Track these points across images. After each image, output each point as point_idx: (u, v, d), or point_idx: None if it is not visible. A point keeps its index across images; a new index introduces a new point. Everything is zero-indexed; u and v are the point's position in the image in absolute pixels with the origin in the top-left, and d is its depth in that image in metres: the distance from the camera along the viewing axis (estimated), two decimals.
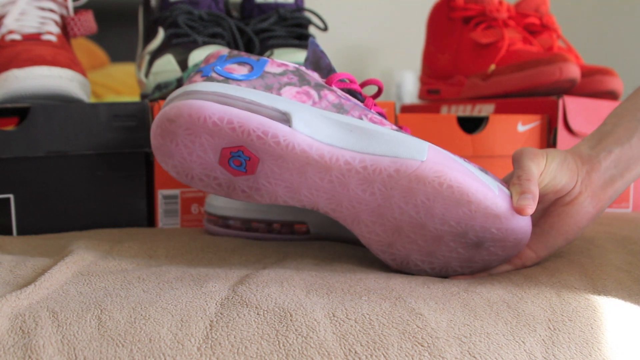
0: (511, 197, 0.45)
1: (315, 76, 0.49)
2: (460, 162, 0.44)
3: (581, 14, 1.69)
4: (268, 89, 0.45)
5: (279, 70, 0.47)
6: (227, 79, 0.45)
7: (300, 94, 0.46)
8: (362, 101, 0.50)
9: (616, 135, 0.50)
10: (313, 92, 0.46)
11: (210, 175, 0.47)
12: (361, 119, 0.46)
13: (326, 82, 0.49)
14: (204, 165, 0.46)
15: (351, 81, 0.50)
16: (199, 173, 0.47)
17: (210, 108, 0.43)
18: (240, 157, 0.44)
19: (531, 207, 0.44)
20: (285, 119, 0.44)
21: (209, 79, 0.46)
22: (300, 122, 0.43)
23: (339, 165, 0.43)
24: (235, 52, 0.49)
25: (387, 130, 0.45)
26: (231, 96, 0.44)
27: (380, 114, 0.50)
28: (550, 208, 0.50)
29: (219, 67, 0.46)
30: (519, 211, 0.44)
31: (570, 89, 0.87)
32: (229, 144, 0.44)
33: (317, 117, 0.44)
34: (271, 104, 0.44)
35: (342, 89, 0.50)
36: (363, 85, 0.52)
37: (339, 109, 0.46)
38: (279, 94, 0.45)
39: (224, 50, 0.50)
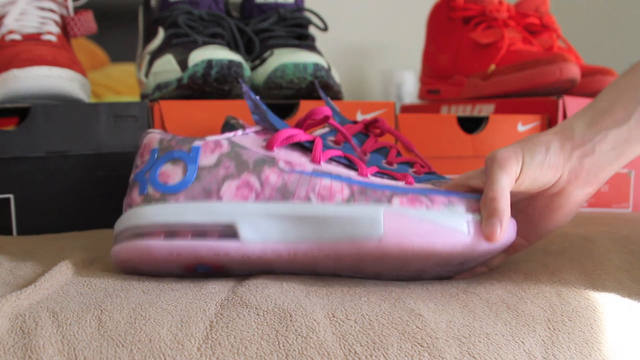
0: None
1: (251, 142, 0.45)
2: (421, 213, 0.42)
3: (581, 14, 1.69)
4: (207, 194, 0.44)
5: (213, 159, 0.45)
6: (164, 194, 0.44)
7: (241, 188, 0.44)
8: (310, 147, 0.46)
9: (614, 115, 0.47)
10: (254, 180, 0.44)
11: (185, 275, 0.47)
12: (309, 198, 0.43)
13: (267, 146, 0.45)
14: (175, 274, 0.46)
15: (294, 135, 0.46)
16: (175, 276, 0.47)
17: (156, 247, 0.43)
18: (205, 266, 0.45)
19: (498, 232, 0.42)
20: (231, 232, 0.43)
21: (146, 199, 0.45)
22: (248, 231, 0.43)
23: (300, 257, 0.43)
24: (166, 140, 0.46)
25: (338, 210, 0.42)
26: (174, 225, 0.43)
27: (333, 158, 0.46)
28: (537, 198, 0.48)
29: (153, 177, 0.45)
30: (487, 238, 0.42)
31: (570, 89, 0.87)
32: (189, 264, 0.44)
33: (262, 218, 0.43)
34: (214, 220, 0.43)
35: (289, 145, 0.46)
36: (310, 120, 0.47)
37: (284, 193, 0.44)
38: (220, 197, 0.44)
39: (155, 138, 0.47)
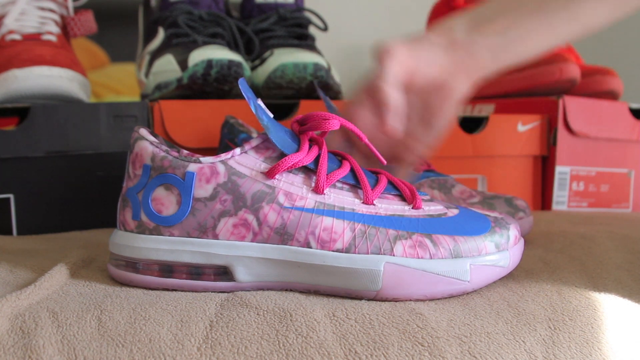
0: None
1: (251, 164, 0.43)
2: (423, 264, 0.41)
3: None
4: (203, 230, 0.42)
5: (209, 189, 0.42)
6: (158, 226, 0.43)
7: (238, 227, 0.42)
8: (314, 171, 0.44)
9: (494, 25, 0.50)
10: (251, 219, 0.42)
11: None
12: (308, 243, 0.42)
13: (268, 173, 0.42)
14: None
15: (298, 162, 0.43)
16: None
17: (152, 283, 0.44)
18: None
19: (389, 126, 0.45)
20: (226, 272, 0.43)
21: (140, 226, 0.44)
22: (243, 273, 0.43)
23: (294, 292, 0.43)
24: (159, 158, 0.43)
25: (337, 259, 0.41)
26: (170, 263, 0.43)
27: (337, 183, 0.44)
28: (428, 96, 0.50)
29: (146, 201, 0.43)
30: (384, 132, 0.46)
31: (570, 89, 0.87)
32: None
33: (258, 261, 0.42)
34: (209, 262, 0.43)
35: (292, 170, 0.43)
36: (314, 128, 0.44)
37: (283, 235, 0.42)
38: (216, 235, 0.42)
39: (147, 150, 0.44)
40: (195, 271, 0.43)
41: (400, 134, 0.46)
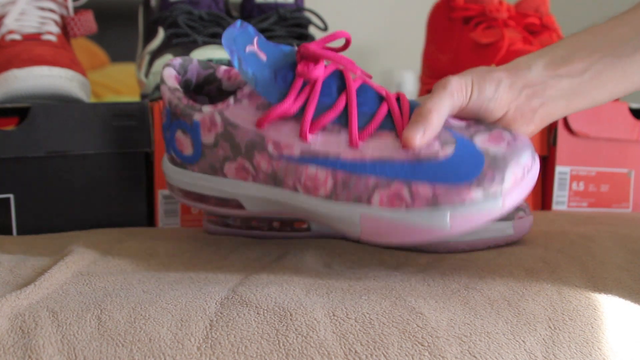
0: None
1: (244, 113, 0.45)
2: (400, 215, 0.41)
3: (581, 14, 1.70)
4: (214, 170, 0.48)
5: (212, 138, 0.47)
6: (183, 163, 0.50)
7: (240, 170, 0.47)
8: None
9: (571, 65, 0.47)
10: (248, 165, 0.46)
11: None
12: (296, 189, 0.45)
13: (258, 124, 0.44)
14: None
15: (285, 112, 0.44)
16: None
17: (192, 205, 0.51)
18: None
19: (418, 139, 0.41)
20: (239, 203, 0.49)
21: (172, 160, 0.51)
22: (250, 205, 0.48)
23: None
24: (173, 104, 0.49)
25: (320, 206, 0.44)
26: (200, 191, 0.50)
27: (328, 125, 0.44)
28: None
29: (172, 141, 0.50)
30: (404, 142, 0.42)
31: None
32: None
33: (260, 199, 0.47)
34: (223, 196, 0.49)
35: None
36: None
37: (275, 179, 0.46)
38: (225, 175, 0.48)
39: (166, 94, 0.50)
40: (222, 202, 0.49)
41: (415, 150, 0.43)
